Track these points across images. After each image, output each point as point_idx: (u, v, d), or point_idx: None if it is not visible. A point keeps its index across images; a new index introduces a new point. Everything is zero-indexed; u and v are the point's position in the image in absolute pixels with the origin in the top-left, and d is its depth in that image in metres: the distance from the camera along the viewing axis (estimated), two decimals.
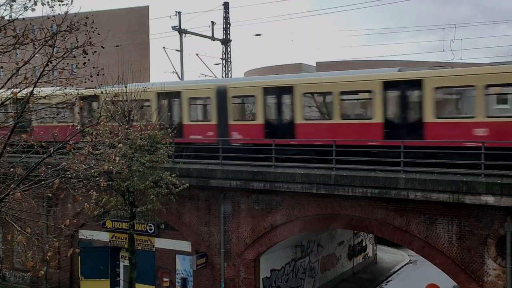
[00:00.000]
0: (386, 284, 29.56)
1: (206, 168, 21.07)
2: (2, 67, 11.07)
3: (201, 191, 21.89)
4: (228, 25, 43.65)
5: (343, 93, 19.57)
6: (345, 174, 18.02)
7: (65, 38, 10.40)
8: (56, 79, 10.96)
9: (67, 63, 10.83)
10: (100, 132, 15.60)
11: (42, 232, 19.47)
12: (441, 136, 17.45)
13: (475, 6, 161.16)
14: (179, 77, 39.93)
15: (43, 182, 10.74)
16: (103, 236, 25.12)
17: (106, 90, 17.47)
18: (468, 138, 16.97)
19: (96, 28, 10.67)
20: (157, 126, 20.27)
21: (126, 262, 23.65)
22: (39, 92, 10.84)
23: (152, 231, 24.06)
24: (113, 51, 30.63)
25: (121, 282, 25.72)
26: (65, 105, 11.12)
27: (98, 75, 11.88)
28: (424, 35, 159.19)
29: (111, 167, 12.31)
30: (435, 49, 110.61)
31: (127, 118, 20.06)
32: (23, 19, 10.64)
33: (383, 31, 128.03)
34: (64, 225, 9.83)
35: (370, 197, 17.77)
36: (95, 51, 10.79)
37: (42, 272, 11.00)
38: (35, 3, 10.21)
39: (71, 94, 11.84)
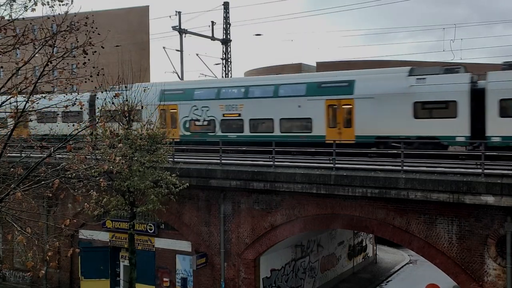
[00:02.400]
0: (386, 284, 29.56)
1: (206, 168, 21.07)
2: (2, 67, 11.06)
3: (201, 191, 21.88)
4: (228, 25, 43.66)
5: None
6: (345, 174, 18.02)
7: (65, 38, 10.39)
8: (56, 79, 10.95)
9: (67, 63, 10.83)
10: (100, 132, 15.60)
11: (42, 232, 19.45)
12: None
13: (473, 6, 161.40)
14: (179, 77, 39.94)
15: (43, 182, 10.73)
16: (103, 236, 25.13)
17: None
18: None
19: (96, 28, 10.66)
20: None
21: (126, 262, 23.66)
22: None
23: (152, 231, 24.06)
24: (113, 51, 30.64)
25: (121, 282, 25.72)
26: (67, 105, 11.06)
27: (98, 75, 11.87)
28: (421, 35, 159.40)
29: (111, 167, 12.31)
30: (433, 49, 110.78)
31: (127, 118, 20.07)
32: (23, 19, 10.63)
33: (382, 31, 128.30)
34: (64, 225, 9.82)
35: (370, 197, 17.77)
36: (95, 51, 10.78)
37: (42, 272, 10.97)
38: (35, 3, 10.20)
39: None
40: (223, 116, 25.41)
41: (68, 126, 21.49)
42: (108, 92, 27.09)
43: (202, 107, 25.98)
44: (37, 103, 10.77)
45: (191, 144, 26.17)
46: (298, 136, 23.28)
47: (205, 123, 26.04)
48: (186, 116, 26.54)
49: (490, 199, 15.41)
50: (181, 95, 26.87)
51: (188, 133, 26.58)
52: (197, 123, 26.31)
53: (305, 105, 23.11)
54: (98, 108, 27.94)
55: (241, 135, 24.71)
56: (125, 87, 20.28)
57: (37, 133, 25.24)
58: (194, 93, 26.62)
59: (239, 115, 24.92)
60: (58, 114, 26.58)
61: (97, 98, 28.27)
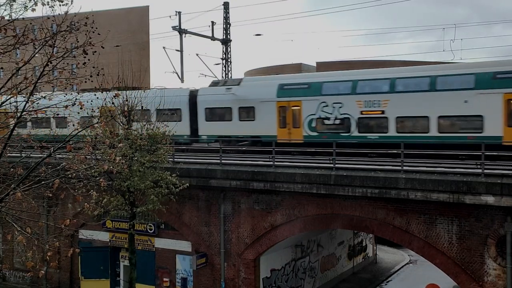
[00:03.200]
0: (386, 284, 29.56)
1: (206, 168, 21.06)
2: (2, 68, 11.06)
3: (201, 191, 21.88)
4: (228, 25, 43.63)
5: None
6: (345, 174, 18.01)
7: (65, 38, 10.39)
8: (56, 79, 10.94)
9: (67, 63, 10.82)
10: (100, 132, 15.59)
11: (42, 232, 19.46)
12: None
13: (472, 6, 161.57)
14: (179, 77, 39.91)
15: (43, 182, 10.74)
16: (103, 236, 25.14)
17: None
18: None
19: (96, 28, 10.66)
20: None
21: (126, 262, 23.66)
22: None
23: (152, 231, 24.05)
24: (113, 51, 30.66)
25: (121, 282, 25.72)
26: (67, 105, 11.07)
27: (98, 75, 11.87)
28: (420, 35, 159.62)
29: (111, 167, 12.32)
30: (433, 49, 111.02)
31: (127, 118, 20.08)
32: (23, 19, 10.63)
33: (382, 31, 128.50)
34: (64, 225, 9.82)
35: (370, 197, 17.77)
36: (95, 51, 10.78)
37: (42, 272, 10.96)
38: (35, 3, 10.20)
39: None
40: (361, 113, 21.99)
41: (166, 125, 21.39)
42: (220, 86, 25.12)
43: (334, 103, 22.57)
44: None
45: (318, 146, 22.58)
46: (464, 137, 19.76)
47: (337, 122, 22.58)
48: (312, 114, 23.21)
49: (490, 199, 15.41)
50: (305, 90, 23.66)
51: (315, 134, 23.29)
52: (326, 122, 22.93)
53: (474, 100, 19.63)
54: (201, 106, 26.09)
55: (384, 136, 21.27)
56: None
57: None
58: (323, 87, 23.20)
59: (383, 112, 21.50)
60: (152, 113, 25.33)
61: (199, 95, 26.89)
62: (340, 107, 22.43)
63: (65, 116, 11.82)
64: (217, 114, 26.27)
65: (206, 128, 26.47)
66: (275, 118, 24.29)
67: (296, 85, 24.33)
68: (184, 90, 28.04)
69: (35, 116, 10.50)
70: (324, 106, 22.89)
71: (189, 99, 27.15)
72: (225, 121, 25.86)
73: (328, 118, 22.83)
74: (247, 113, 24.95)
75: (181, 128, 26.38)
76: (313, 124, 23.33)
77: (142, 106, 20.44)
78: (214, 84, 27.80)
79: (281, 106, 24.14)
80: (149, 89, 27.97)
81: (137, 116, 20.79)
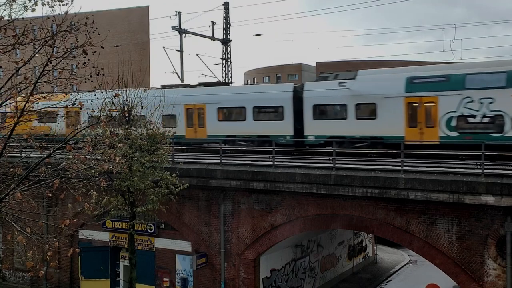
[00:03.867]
0: (386, 284, 29.57)
1: (206, 168, 21.06)
2: (1, 67, 11.06)
3: (201, 191, 21.89)
4: (228, 25, 43.65)
5: None
6: (345, 174, 18.01)
7: (65, 38, 10.40)
8: (56, 79, 10.95)
9: (67, 63, 10.83)
10: (100, 132, 15.59)
11: (42, 232, 19.45)
12: None
13: (471, 6, 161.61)
14: (179, 77, 39.95)
15: (43, 182, 10.74)
16: (103, 236, 25.14)
17: None
18: None
19: (96, 28, 10.67)
20: None
21: (126, 262, 23.66)
22: None
23: (152, 231, 24.06)
24: (113, 51, 30.67)
25: (121, 282, 25.73)
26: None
27: (98, 75, 11.88)
28: (420, 35, 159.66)
29: (111, 167, 12.31)
30: (433, 49, 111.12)
31: (127, 118, 20.06)
32: (23, 19, 10.64)
33: (381, 31, 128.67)
34: (64, 225, 9.82)
35: (370, 197, 17.77)
36: (95, 51, 10.79)
37: (42, 272, 10.97)
38: (35, 3, 10.20)
39: None
40: None
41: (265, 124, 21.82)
42: (333, 80, 23.73)
43: (481, 98, 19.83)
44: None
45: (457, 148, 19.76)
46: None
47: (486, 120, 19.82)
48: (452, 111, 20.44)
49: (490, 199, 15.40)
50: (443, 84, 20.89)
51: (455, 134, 20.47)
52: (470, 120, 20.18)
53: None
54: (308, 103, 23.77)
55: None
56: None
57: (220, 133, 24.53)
58: (467, 80, 20.42)
59: None
60: (248, 111, 24.35)
61: (305, 90, 24.28)
62: (490, 103, 19.72)
63: None
64: (328, 112, 23.61)
65: (314, 128, 23.74)
66: (402, 116, 21.58)
67: (430, 78, 21.49)
68: (287, 85, 26.15)
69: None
70: (468, 102, 20.21)
71: (293, 96, 24.59)
72: (337, 119, 23.22)
73: (473, 116, 20.09)
74: (366, 110, 22.42)
75: (283, 127, 24.48)
76: (453, 123, 20.56)
77: None
78: (323, 78, 25.31)
79: (411, 102, 21.50)
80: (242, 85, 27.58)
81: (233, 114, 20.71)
